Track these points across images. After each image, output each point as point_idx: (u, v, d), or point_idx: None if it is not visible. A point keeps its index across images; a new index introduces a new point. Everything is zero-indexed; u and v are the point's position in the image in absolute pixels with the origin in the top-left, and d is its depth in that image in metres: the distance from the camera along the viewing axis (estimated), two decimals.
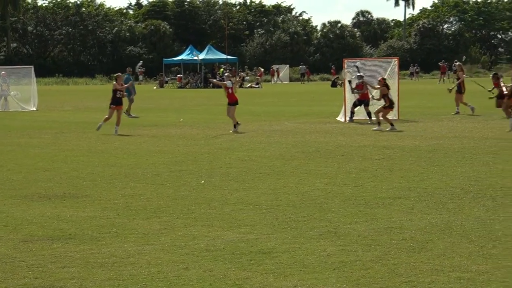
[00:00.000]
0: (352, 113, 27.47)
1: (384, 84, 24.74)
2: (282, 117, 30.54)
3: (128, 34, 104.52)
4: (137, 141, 21.76)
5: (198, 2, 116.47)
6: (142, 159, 17.62)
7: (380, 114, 24.08)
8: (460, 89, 29.94)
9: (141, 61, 63.26)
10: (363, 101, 27.22)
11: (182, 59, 78.98)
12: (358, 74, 27.72)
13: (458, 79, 30.69)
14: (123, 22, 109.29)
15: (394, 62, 29.84)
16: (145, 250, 8.89)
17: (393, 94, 28.07)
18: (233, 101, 24.46)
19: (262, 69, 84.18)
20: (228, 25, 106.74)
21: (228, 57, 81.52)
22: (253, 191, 12.94)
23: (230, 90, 24.58)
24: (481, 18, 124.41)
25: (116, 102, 24.49)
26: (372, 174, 14.54)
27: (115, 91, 24.45)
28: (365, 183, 13.40)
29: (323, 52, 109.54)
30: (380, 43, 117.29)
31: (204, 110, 36.91)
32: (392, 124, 23.73)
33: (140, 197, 12.47)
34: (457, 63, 32.17)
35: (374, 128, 23.67)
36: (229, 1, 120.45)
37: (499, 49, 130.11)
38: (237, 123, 23.95)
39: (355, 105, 27.50)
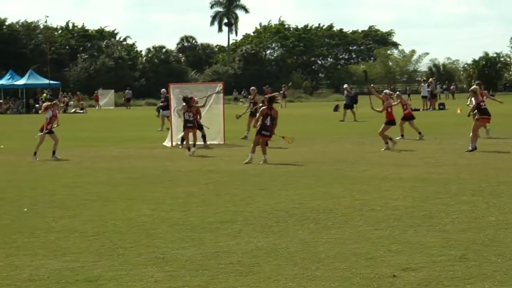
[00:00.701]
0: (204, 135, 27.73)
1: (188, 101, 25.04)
2: (107, 142, 30.18)
3: None
4: None
5: (17, 26, 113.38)
6: None
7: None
8: (253, 113, 30.32)
9: None
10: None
11: (2, 84, 76.64)
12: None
13: (254, 103, 31.01)
14: None
15: (219, 87, 30.17)
16: None
17: (219, 120, 28.46)
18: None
19: (79, 93, 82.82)
20: (50, 50, 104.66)
21: (51, 82, 79.87)
22: (78, 218, 12.68)
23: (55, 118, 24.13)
24: (301, 44, 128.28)
25: None
26: (199, 198, 14.59)
27: None
28: (192, 208, 13.43)
29: (149, 77, 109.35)
30: (205, 68, 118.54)
31: (27, 136, 35.91)
32: (189, 149, 24.03)
33: None
34: (251, 88, 32.89)
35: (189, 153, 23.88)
36: (51, 25, 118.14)
37: (320, 74, 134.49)
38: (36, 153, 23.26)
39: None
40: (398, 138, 26.99)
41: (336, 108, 57.86)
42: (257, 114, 21.94)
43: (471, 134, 22.88)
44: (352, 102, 43.93)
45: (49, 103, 25.37)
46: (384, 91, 25.90)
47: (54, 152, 23.35)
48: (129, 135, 35.41)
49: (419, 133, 27.88)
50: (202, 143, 27.43)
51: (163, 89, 41.75)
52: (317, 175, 17.73)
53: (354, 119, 41.94)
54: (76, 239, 10.88)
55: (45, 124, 23.85)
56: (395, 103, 26.61)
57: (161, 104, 40.66)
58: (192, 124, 24.67)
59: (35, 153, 23.15)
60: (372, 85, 42.08)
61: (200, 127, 27.47)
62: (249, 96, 30.67)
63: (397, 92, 28.70)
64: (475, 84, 26.42)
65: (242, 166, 20.21)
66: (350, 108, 43.20)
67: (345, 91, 45.10)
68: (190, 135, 24.65)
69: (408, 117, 28.57)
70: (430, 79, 64.85)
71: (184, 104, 24.89)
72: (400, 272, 8.56)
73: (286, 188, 15.67)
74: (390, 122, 24.71)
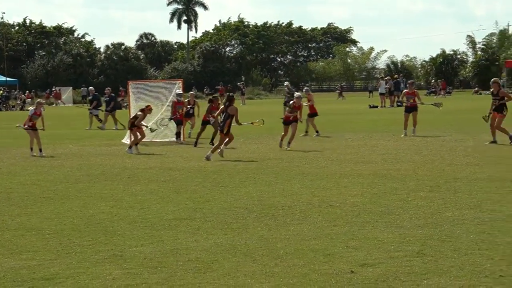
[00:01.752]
0: (179, 132, 27.83)
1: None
2: (66, 140, 29.95)
3: None
4: None
5: None
6: None
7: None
8: (188, 114, 30.26)
9: None
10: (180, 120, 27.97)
11: None
12: (178, 92, 28.24)
13: (192, 107, 30.75)
14: None
15: (178, 84, 30.11)
16: None
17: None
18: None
19: (28, 92, 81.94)
20: (7, 46, 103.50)
21: (8, 79, 79.07)
22: (35, 216, 12.57)
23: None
24: (261, 41, 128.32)
25: None
26: (158, 196, 14.55)
27: None
28: (151, 205, 13.39)
29: (108, 74, 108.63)
30: (165, 65, 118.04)
31: None
32: (130, 147, 24.10)
33: None
34: (190, 93, 32.89)
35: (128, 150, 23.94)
36: (7, 22, 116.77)
37: (279, 72, 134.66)
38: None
39: (178, 124, 27.98)
40: (315, 135, 28.68)
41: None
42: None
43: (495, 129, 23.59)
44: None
45: (38, 100, 25.92)
46: (305, 89, 27.00)
47: (40, 150, 23.42)
48: (87, 132, 35.17)
49: (317, 131, 28.89)
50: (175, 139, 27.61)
51: (91, 87, 41.42)
52: (276, 172, 17.76)
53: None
54: (32, 237, 10.79)
55: (27, 120, 23.96)
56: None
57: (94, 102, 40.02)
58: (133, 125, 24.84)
59: (31, 149, 23.56)
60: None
61: (179, 123, 27.87)
62: (187, 100, 30.44)
63: (305, 88, 29.01)
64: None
65: (201, 163, 20.20)
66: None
67: (286, 88, 44.25)
68: (137, 134, 24.71)
69: (312, 114, 29.61)
70: (396, 76, 65.14)
71: (140, 113, 25.06)
72: (358, 268, 8.62)
73: (245, 185, 15.69)
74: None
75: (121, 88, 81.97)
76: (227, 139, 21.52)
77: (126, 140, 28.04)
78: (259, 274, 8.49)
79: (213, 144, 23.76)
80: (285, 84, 46.44)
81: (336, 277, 8.31)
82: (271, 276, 8.42)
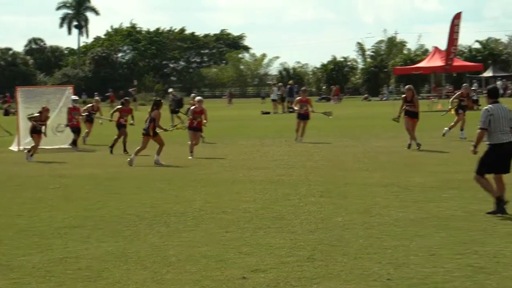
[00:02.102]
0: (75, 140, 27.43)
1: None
2: None
3: None
4: None
5: None
6: None
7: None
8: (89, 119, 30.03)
9: None
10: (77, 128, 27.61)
11: None
12: (73, 98, 27.93)
13: (93, 113, 30.33)
14: None
15: (69, 90, 29.74)
16: None
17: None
18: None
19: None
20: None
21: None
22: None
23: None
24: (153, 47, 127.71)
25: None
26: (47, 204, 14.27)
27: None
28: (40, 213, 13.12)
29: None
30: (55, 71, 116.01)
31: None
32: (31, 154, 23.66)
33: None
34: (95, 98, 32.62)
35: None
36: None
37: (172, 78, 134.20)
38: None
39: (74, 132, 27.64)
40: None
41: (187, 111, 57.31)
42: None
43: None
44: (178, 106, 41.54)
45: None
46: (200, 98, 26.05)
47: None
48: None
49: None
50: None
51: None
52: (169, 179, 17.68)
53: (173, 124, 38.74)
54: None
55: None
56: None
57: None
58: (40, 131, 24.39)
59: None
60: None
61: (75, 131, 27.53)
62: (92, 105, 30.12)
63: (199, 97, 28.44)
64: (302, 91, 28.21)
65: (93, 170, 19.92)
66: (176, 113, 40.46)
67: (171, 95, 43.38)
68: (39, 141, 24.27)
69: None
70: (290, 82, 65.83)
71: (38, 114, 24.53)
72: (249, 274, 8.65)
73: (138, 192, 15.56)
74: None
75: (7, 94, 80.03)
76: (158, 145, 21.22)
77: (14, 147, 27.45)
78: (150, 282, 8.42)
79: (127, 152, 23.59)
80: (169, 90, 45.87)
81: (228, 283, 8.32)
82: (162, 283, 8.36)
